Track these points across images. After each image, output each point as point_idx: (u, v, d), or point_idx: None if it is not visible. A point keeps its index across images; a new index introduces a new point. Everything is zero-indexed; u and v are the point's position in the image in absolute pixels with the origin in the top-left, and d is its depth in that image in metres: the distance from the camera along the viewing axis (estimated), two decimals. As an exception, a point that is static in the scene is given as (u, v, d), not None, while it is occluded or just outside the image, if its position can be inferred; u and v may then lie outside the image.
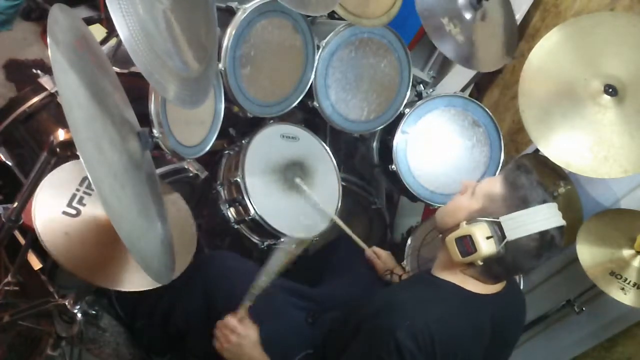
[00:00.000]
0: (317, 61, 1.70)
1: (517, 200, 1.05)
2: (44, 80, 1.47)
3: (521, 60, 1.64)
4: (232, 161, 1.68)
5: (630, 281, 1.44)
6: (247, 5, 1.50)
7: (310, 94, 1.73)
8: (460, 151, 1.84)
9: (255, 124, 1.73)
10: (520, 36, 1.97)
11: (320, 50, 1.70)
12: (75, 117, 0.76)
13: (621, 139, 1.41)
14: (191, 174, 1.56)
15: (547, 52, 1.52)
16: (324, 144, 1.81)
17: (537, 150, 1.67)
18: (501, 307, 1.13)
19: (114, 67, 1.22)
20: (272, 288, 1.38)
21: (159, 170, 1.45)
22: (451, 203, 1.18)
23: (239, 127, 1.80)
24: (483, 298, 1.11)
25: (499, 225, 1.04)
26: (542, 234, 1.03)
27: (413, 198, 1.85)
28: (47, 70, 1.48)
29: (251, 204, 1.57)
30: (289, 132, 1.75)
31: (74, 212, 1.12)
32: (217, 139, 1.56)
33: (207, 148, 1.54)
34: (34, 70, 1.49)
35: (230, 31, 1.49)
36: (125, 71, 1.49)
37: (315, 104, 1.73)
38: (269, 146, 1.69)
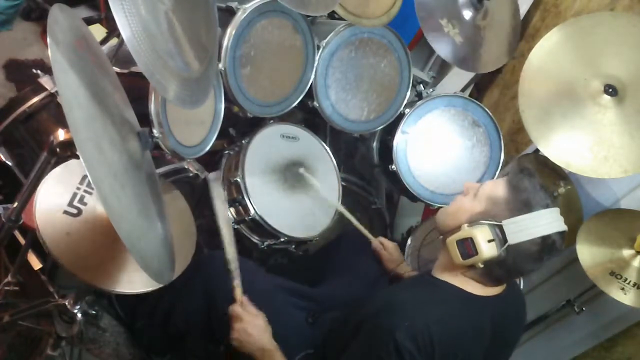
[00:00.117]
0: (317, 61, 1.70)
1: (520, 204, 1.05)
2: (44, 80, 1.47)
3: (521, 60, 1.64)
4: (232, 161, 1.68)
5: (630, 281, 1.44)
6: (247, 5, 1.50)
7: (310, 94, 1.73)
8: (460, 151, 1.84)
9: (255, 124, 1.73)
10: (520, 36, 1.97)
11: (320, 50, 1.70)
12: (75, 117, 0.76)
13: (621, 139, 1.41)
14: (191, 174, 1.56)
15: (547, 52, 1.52)
16: (324, 144, 1.81)
17: (537, 150, 1.67)
18: (501, 308, 1.13)
19: (114, 67, 1.22)
20: (272, 288, 1.38)
21: (159, 170, 1.45)
22: (453, 204, 1.17)
23: (239, 127, 1.80)
24: (483, 300, 1.11)
25: (500, 228, 1.04)
26: (544, 239, 1.03)
27: (413, 198, 1.85)
28: (47, 70, 1.48)
29: (251, 204, 1.57)
30: (289, 132, 1.75)
31: (75, 211, 1.12)
32: (217, 139, 1.56)
33: (207, 148, 1.54)
34: (34, 70, 1.49)
35: (231, 31, 1.49)
36: (126, 71, 1.49)
37: (315, 104, 1.73)
38: (269, 146, 1.69)
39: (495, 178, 1.85)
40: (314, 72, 1.70)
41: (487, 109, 1.84)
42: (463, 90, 2.13)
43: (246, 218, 1.59)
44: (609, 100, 1.44)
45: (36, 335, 1.37)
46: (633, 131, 1.41)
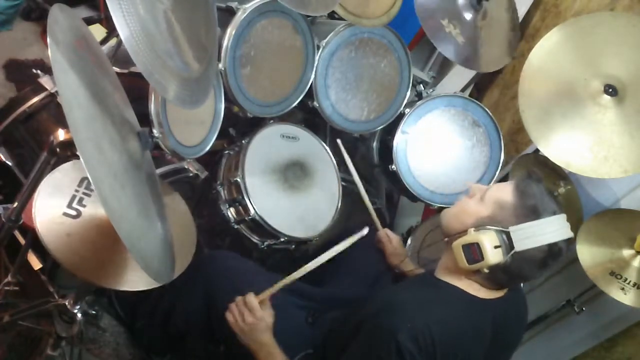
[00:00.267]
0: (317, 61, 1.70)
1: (527, 210, 1.04)
2: (44, 80, 1.47)
3: (521, 60, 1.64)
4: (232, 161, 1.68)
5: (630, 281, 1.44)
6: (247, 5, 1.50)
7: (310, 94, 1.73)
8: (460, 151, 1.84)
9: (255, 124, 1.73)
10: (520, 36, 1.97)
11: (320, 50, 1.70)
12: (75, 117, 0.76)
13: (621, 139, 1.41)
14: (191, 174, 1.56)
15: (547, 52, 1.52)
16: (324, 144, 1.81)
17: (537, 150, 1.67)
18: (503, 310, 1.13)
19: (114, 67, 1.22)
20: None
21: (159, 170, 1.45)
22: (458, 207, 1.16)
23: (239, 127, 1.80)
24: (485, 302, 1.11)
25: (507, 235, 1.03)
26: (551, 246, 1.03)
27: (413, 198, 1.85)
28: (47, 70, 1.47)
29: (251, 204, 1.57)
30: (289, 132, 1.75)
31: (74, 213, 1.12)
32: (217, 139, 1.56)
33: (207, 148, 1.54)
34: (34, 70, 1.49)
35: (230, 31, 1.49)
36: (125, 71, 1.49)
37: (315, 104, 1.73)
38: (269, 146, 1.69)
39: (495, 178, 1.85)
40: (314, 72, 1.70)
41: (487, 109, 1.84)
42: (463, 90, 2.14)
43: (246, 218, 1.59)
44: (609, 100, 1.44)
45: (36, 335, 1.37)
46: (633, 131, 1.41)
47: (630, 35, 1.45)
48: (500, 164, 1.85)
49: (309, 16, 1.64)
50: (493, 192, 1.10)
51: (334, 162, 1.80)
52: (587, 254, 1.49)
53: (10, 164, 1.46)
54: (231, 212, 1.66)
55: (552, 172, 1.74)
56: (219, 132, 1.56)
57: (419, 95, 1.97)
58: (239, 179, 1.58)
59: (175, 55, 1.00)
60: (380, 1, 1.69)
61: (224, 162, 1.71)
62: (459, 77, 2.15)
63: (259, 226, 1.60)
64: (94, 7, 2.17)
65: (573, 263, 1.72)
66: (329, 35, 1.69)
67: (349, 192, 1.88)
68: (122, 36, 0.85)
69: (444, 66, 2.24)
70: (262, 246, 1.66)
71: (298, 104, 1.73)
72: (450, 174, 1.83)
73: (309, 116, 1.94)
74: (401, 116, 1.82)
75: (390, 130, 1.84)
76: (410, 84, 1.85)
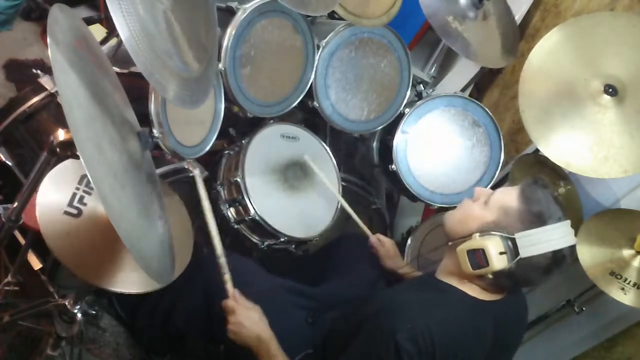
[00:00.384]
0: (317, 61, 1.70)
1: (533, 217, 1.04)
2: (44, 80, 1.47)
3: (521, 60, 1.64)
4: (232, 161, 1.68)
5: (630, 281, 1.44)
6: (247, 5, 1.50)
7: (310, 94, 1.73)
8: (460, 151, 1.84)
9: (255, 124, 1.73)
10: (520, 36, 1.97)
11: (320, 50, 1.70)
12: (75, 117, 0.76)
13: (621, 139, 1.41)
14: (191, 174, 1.56)
15: (547, 52, 1.52)
16: (324, 144, 1.81)
17: (537, 150, 1.67)
18: (504, 312, 1.13)
19: (114, 67, 1.22)
20: (272, 287, 1.38)
21: (159, 170, 1.45)
22: (462, 210, 1.16)
23: (239, 127, 1.80)
24: (486, 304, 1.11)
25: (513, 241, 1.03)
26: (555, 253, 1.03)
27: (413, 198, 1.85)
28: (47, 70, 1.48)
29: (251, 204, 1.57)
30: (289, 132, 1.75)
31: (75, 211, 1.12)
32: (217, 139, 1.56)
33: (207, 148, 1.54)
34: (34, 70, 1.49)
35: (230, 31, 1.49)
36: (125, 71, 1.49)
37: (315, 104, 1.73)
38: (269, 146, 1.69)
39: (495, 178, 1.85)
40: (314, 72, 1.70)
41: (487, 109, 1.84)
42: (463, 90, 2.13)
43: (246, 218, 1.59)
44: (609, 100, 1.44)
45: (36, 335, 1.37)
46: (633, 131, 1.41)
47: (630, 35, 1.45)
48: (500, 164, 1.85)
49: (309, 16, 1.64)
50: (498, 197, 1.10)
51: (334, 162, 1.80)
52: (587, 254, 1.49)
53: (10, 164, 1.46)
54: (231, 212, 1.66)
55: (552, 172, 1.74)
56: (219, 132, 1.56)
57: (419, 95, 1.97)
58: (239, 179, 1.58)
59: (175, 55, 1.00)
60: (380, 1, 1.69)
61: (224, 162, 1.71)
62: (459, 77, 2.15)
63: (259, 226, 1.60)
64: (94, 7, 2.17)
65: (573, 263, 1.72)
66: (329, 35, 1.69)
67: (349, 192, 1.88)
68: (122, 36, 0.85)
69: (444, 66, 2.24)
70: (262, 246, 1.66)
71: (298, 104, 1.73)
72: (450, 174, 1.83)
73: (309, 116, 1.94)
74: (401, 116, 1.82)
75: (390, 130, 1.84)
76: (410, 84, 1.85)
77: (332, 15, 1.79)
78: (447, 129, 1.83)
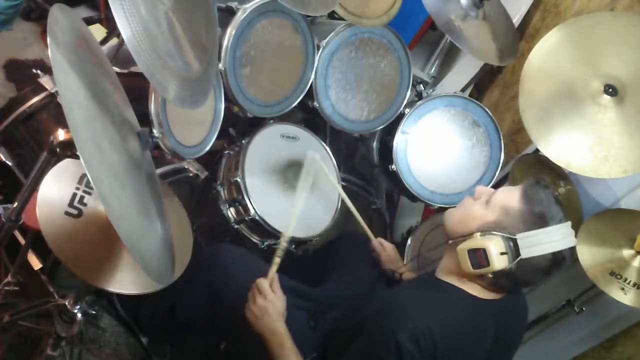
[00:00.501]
0: (317, 61, 1.70)
1: (535, 218, 1.04)
2: (44, 80, 1.47)
3: (521, 60, 1.64)
4: (232, 161, 1.68)
5: (630, 281, 1.44)
6: (247, 5, 1.50)
7: (310, 94, 1.73)
8: (460, 151, 1.84)
9: (255, 124, 1.73)
10: (520, 36, 1.97)
11: (320, 50, 1.70)
12: (75, 117, 0.76)
13: (621, 139, 1.41)
14: (191, 174, 1.56)
15: (547, 52, 1.52)
16: (324, 144, 1.81)
17: (537, 150, 1.67)
18: (504, 311, 1.13)
19: (114, 67, 1.22)
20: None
21: (159, 170, 1.45)
22: (463, 209, 1.16)
23: (239, 127, 1.80)
24: (486, 303, 1.11)
25: (514, 242, 1.03)
26: (555, 254, 1.03)
27: (413, 198, 1.85)
28: (47, 70, 1.48)
29: (251, 204, 1.57)
30: (289, 132, 1.75)
31: (75, 212, 1.12)
32: (217, 139, 1.56)
33: (207, 148, 1.54)
34: (34, 70, 1.49)
35: (230, 31, 1.49)
36: (125, 71, 1.49)
37: (315, 104, 1.73)
38: (269, 146, 1.69)
39: (495, 178, 1.85)
40: (314, 72, 1.70)
41: (487, 109, 1.84)
42: (463, 90, 2.13)
43: (246, 218, 1.59)
44: (609, 100, 1.44)
45: (36, 335, 1.37)
46: (633, 131, 1.41)
47: (630, 35, 1.45)
48: (500, 164, 1.85)
49: (309, 16, 1.64)
50: (500, 197, 1.09)
51: (334, 162, 1.80)
52: (587, 254, 1.49)
53: (10, 164, 1.46)
54: (231, 212, 1.66)
55: (552, 172, 1.74)
56: (219, 132, 1.56)
57: (419, 95, 1.97)
58: (239, 179, 1.58)
59: (176, 56, 1.00)
60: (380, 1, 1.69)
61: (224, 162, 1.71)
62: (459, 77, 2.15)
63: (259, 226, 1.60)
64: (94, 7, 2.17)
65: (573, 263, 1.72)
66: (329, 35, 1.69)
67: (349, 192, 1.88)
68: (124, 37, 0.85)
69: (444, 66, 2.24)
70: (262, 246, 1.66)
71: (298, 104, 1.73)
72: (450, 174, 1.83)
73: (309, 116, 1.94)
74: (401, 116, 1.82)
75: (390, 130, 1.84)
76: (410, 84, 1.85)
77: (332, 15, 1.79)
78: (447, 129, 1.83)
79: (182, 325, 1.43)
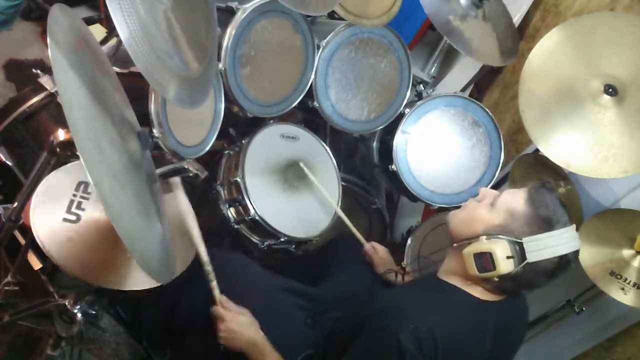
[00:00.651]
0: (317, 61, 1.70)
1: (541, 221, 1.04)
2: (44, 80, 1.47)
3: (521, 60, 1.64)
4: (232, 161, 1.68)
5: (630, 281, 1.44)
6: (247, 5, 1.50)
7: (310, 94, 1.73)
8: (460, 151, 1.84)
9: (255, 124, 1.73)
10: (520, 36, 1.97)
11: (320, 50, 1.70)
12: (75, 117, 0.76)
13: (621, 139, 1.41)
14: (191, 174, 1.55)
15: (547, 52, 1.52)
16: (324, 144, 1.81)
17: (537, 150, 1.67)
18: (505, 313, 1.13)
19: (114, 67, 1.22)
20: (272, 288, 1.38)
21: (159, 170, 1.45)
22: (467, 211, 1.15)
23: (239, 127, 1.80)
24: (488, 305, 1.10)
25: (520, 246, 1.03)
26: (561, 257, 1.03)
27: (413, 198, 1.85)
28: (47, 70, 1.47)
29: (251, 204, 1.57)
30: (289, 132, 1.75)
31: (74, 217, 1.12)
32: (217, 139, 1.56)
33: (207, 148, 1.54)
34: (34, 70, 1.49)
35: (230, 31, 1.49)
36: (125, 71, 1.49)
37: (315, 104, 1.73)
38: (269, 146, 1.69)
39: (495, 178, 1.85)
40: (314, 72, 1.70)
41: (487, 109, 1.84)
42: (463, 90, 2.13)
43: (246, 218, 1.59)
44: (609, 100, 1.44)
45: (36, 335, 1.37)
46: (633, 131, 1.41)
47: (630, 35, 1.45)
48: (500, 164, 1.85)
49: (309, 16, 1.64)
50: (505, 200, 1.09)
51: (334, 162, 1.80)
52: (587, 254, 1.49)
53: (10, 164, 1.46)
54: (231, 212, 1.66)
55: (552, 172, 1.74)
56: (219, 132, 1.56)
57: (419, 95, 1.97)
58: (239, 179, 1.58)
59: (175, 55, 1.00)
60: (380, 1, 1.69)
61: (224, 162, 1.71)
62: (459, 77, 2.15)
63: (259, 226, 1.60)
64: (94, 7, 2.17)
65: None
66: (329, 35, 1.69)
67: (349, 192, 1.88)
68: (122, 36, 0.85)
69: (444, 66, 2.24)
70: (262, 246, 1.66)
71: (298, 104, 1.73)
72: (450, 174, 1.83)
73: (309, 116, 1.94)
74: (401, 116, 1.82)
75: (390, 130, 1.84)
76: (410, 84, 1.85)
77: (332, 15, 1.79)
78: (447, 129, 1.83)
79: (182, 326, 1.43)
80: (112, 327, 1.51)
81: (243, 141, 1.66)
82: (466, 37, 1.71)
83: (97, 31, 2.01)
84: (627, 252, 1.48)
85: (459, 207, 1.21)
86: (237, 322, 1.20)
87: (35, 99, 1.43)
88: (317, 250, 1.76)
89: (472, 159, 1.84)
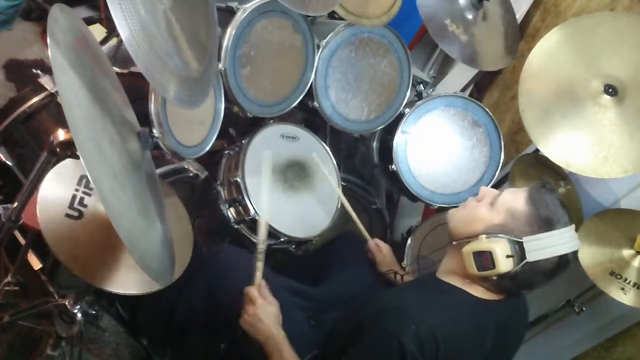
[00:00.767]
0: (317, 61, 1.70)
1: (541, 221, 1.04)
2: (44, 80, 1.47)
3: (521, 60, 1.64)
4: (232, 161, 1.68)
5: (630, 281, 1.44)
6: (247, 5, 1.50)
7: (310, 94, 1.73)
8: (460, 151, 1.84)
9: (255, 124, 1.73)
10: (520, 36, 1.97)
11: (320, 50, 1.70)
12: (75, 117, 0.76)
13: (621, 139, 1.41)
14: (191, 174, 1.56)
15: (547, 52, 1.52)
16: (324, 144, 1.81)
17: (537, 150, 1.67)
18: (505, 312, 1.13)
19: (114, 67, 1.22)
20: (272, 287, 1.38)
21: (159, 170, 1.45)
22: (467, 210, 1.15)
23: (239, 127, 1.80)
24: (488, 304, 1.10)
25: (520, 245, 1.03)
26: (561, 257, 1.03)
27: (413, 198, 1.85)
28: (47, 70, 1.48)
29: (251, 204, 1.57)
30: (289, 132, 1.75)
31: (76, 214, 1.12)
32: (217, 139, 1.56)
33: (207, 148, 1.54)
34: (34, 70, 1.49)
35: (230, 31, 1.49)
36: (125, 71, 1.49)
37: (315, 104, 1.73)
38: (269, 146, 1.69)
39: (495, 178, 1.85)
40: (314, 72, 1.70)
41: (487, 109, 1.84)
42: (463, 90, 2.14)
43: (246, 218, 1.59)
44: (609, 100, 1.44)
45: (36, 335, 1.37)
46: (633, 131, 1.41)
47: (630, 35, 1.45)
48: (500, 164, 1.85)
49: (309, 16, 1.64)
50: (505, 199, 1.09)
51: (334, 162, 1.80)
52: (587, 254, 1.49)
53: (10, 164, 1.46)
54: (231, 212, 1.66)
55: (552, 172, 1.74)
56: (219, 132, 1.56)
57: (419, 95, 1.97)
58: (239, 179, 1.58)
59: (175, 55, 1.00)
60: (380, 1, 1.69)
61: (224, 162, 1.71)
62: (459, 77, 2.15)
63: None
64: (94, 7, 2.17)
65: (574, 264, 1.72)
66: (329, 35, 1.69)
67: (349, 192, 1.88)
68: (122, 36, 0.85)
69: (444, 66, 2.24)
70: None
71: (298, 104, 1.73)
72: (450, 174, 1.83)
73: (309, 116, 1.94)
74: (401, 116, 1.82)
75: (390, 130, 1.84)
76: (410, 84, 1.85)
77: (332, 15, 1.79)
78: (447, 129, 1.83)
79: (182, 326, 1.43)
80: (112, 327, 1.51)
81: (243, 141, 1.66)
82: (462, 42, 1.72)
83: (97, 31, 2.01)
84: (627, 252, 1.48)
85: (458, 207, 1.21)
86: (267, 312, 1.18)
87: (35, 99, 1.44)
88: (317, 250, 1.76)
89: (472, 159, 1.85)
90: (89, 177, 0.72)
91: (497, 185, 1.87)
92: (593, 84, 1.46)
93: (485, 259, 1.04)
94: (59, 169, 1.14)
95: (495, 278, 1.06)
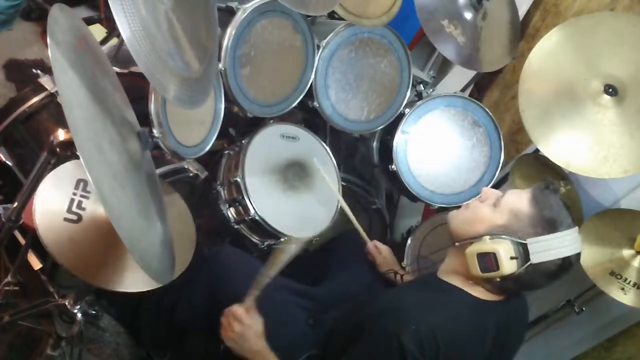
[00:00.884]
0: (317, 61, 1.70)
1: (545, 223, 1.04)
2: (44, 80, 1.47)
3: (521, 60, 1.64)
4: (232, 161, 1.68)
5: (630, 281, 1.44)
6: (247, 5, 1.50)
7: (310, 94, 1.73)
8: (460, 151, 1.84)
9: (255, 124, 1.73)
10: (520, 36, 1.97)
11: (320, 50, 1.70)
12: (75, 117, 0.76)
13: (621, 139, 1.41)
14: (191, 174, 1.56)
15: (547, 52, 1.52)
16: (324, 144, 1.81)
17: (537, 150, 1.67)
18: (505, 313, 1.13)
19: (114, 67, 1.22)
20: (272, 287, 1.38)
21: (159, 170, 1.45)
22: (469, 211, 1.15)
23: (239, 127, 1.80)
24: (488, 305, 1.10)
25: (524, 247, 1.03)
26: (564, 259, 1.03)
27: (413, 198, 1.85)
28: (47, 70, 1.48)
29: (251, 204, 1.57)
30: (289, 132, 1.75)
31: (75, 217, 1.12)
32: (217, 139, 1.56)
33: (207, 148, 1.54)
34: (34, 70, 1.50)
35: (230, 31, 1.49)
36: (125, 71, 1.49)
37: (315, 104, 1.73)
38: (269, 146, 1.69)
39: (495, 178, 1.84)
40: (314, 72, 1.70)
41: (487, 109, 1.84)
42: (463, 90, 2.13)
43: (246, 218, 1.59)
44: (609, 100, 1.44)
45: (36, 335, 1.38)
46: (633, 131, 1.41)
47: (630, 35, 1.45)
48: (500, 164, 1.85)
49: (309, 16, 1.64)
50: (509, 200, 1.08)
51: (334, 162, 1.80)
52: (587, 254, 1.49)
53: (10, 164, 1.46)
54: (231, 212, 1.66)
55: (552, 172, 1.74)
56: (219, 132, 1.56)
57: (419, 95, 1.97)
58: (239, 179, 1.58)
59: (176, 55, 1.00)
60: (380, 1, 1.69)
61: (224, 162, 1.71)
62: (459, 77, 2.15)
63: (259, 226, 1.60)
64: (94, 7, 2.17)
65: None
66: (329, 35, 1.69)
67: (349, 192, 1.88)
68: (124, 36, 0.85)
69: (444, 66, 2.24)
70: (262, 246, 1.66)
71: (298, 104, 1.73)
72: (450, 174, 1.83)
73: (309, 116, 1.94)
74: (401, 116, 1.82)
75: (390, 130, 1.84)
76: (410, 84, 1.85)
77: (332, 15, 1.79)
78: (447, 129, 1.83)
79: (182, 326, 1.43)
80: (112, 327, 1.51)
81: (243, 141, 1.66)
82: (459, 43, 1.72)
83: (97, 31, 2.01)
84: (627, 252, 1.48)
85: (459, 207, 1.21)
86: (254, 331, 1.17)
87: (35, 99, 1.44)
88: (317, 250, 1.76)
89: (472, 159, 1.84)
90: (89, 177, 0.72)
91: (497, 185, 1.87)
92: (593, 84, 1.46)
93: (489, 260, 1.04)
94: (54, 175, 1.14)
95: (498, 280, 1.05)
